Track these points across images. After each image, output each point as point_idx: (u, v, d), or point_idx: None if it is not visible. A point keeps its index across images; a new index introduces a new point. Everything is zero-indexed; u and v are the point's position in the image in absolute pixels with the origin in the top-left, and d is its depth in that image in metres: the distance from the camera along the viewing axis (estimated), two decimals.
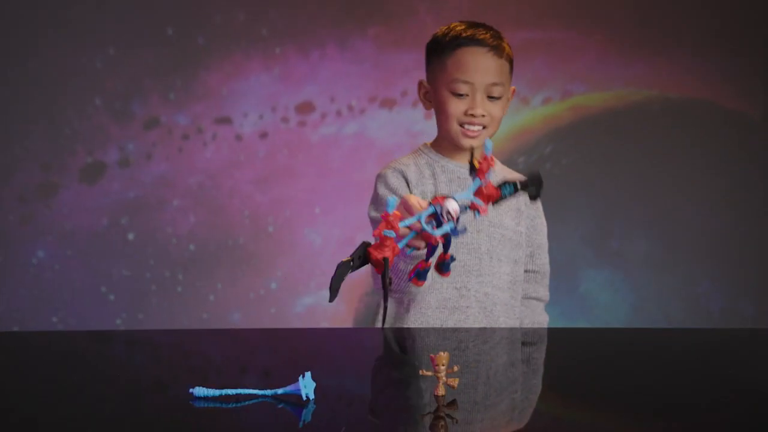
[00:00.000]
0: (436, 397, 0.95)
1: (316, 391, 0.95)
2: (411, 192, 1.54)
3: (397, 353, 1.34)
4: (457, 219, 1.04)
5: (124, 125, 2.94)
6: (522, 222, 1.62)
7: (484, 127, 1.53)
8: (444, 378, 0.96)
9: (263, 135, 2.97)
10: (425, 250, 1.10)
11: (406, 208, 1.16)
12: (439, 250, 1.11)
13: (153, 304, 2.95)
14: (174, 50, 2.93)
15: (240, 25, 2.96)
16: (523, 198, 1.61)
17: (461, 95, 1.51)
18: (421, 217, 1.04)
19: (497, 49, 1.51)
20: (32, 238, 2.92)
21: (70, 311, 2.92)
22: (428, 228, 1.04)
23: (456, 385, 0.96)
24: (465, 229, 1.08)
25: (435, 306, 1.54)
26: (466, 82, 1.50)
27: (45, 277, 2.92)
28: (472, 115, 1.51)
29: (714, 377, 1.14)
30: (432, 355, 0.96)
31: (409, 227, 1.05)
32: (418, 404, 0.98)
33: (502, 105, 1.54)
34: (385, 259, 1.02)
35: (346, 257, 1.03)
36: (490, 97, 1.51)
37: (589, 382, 1.11)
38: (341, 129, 2.98)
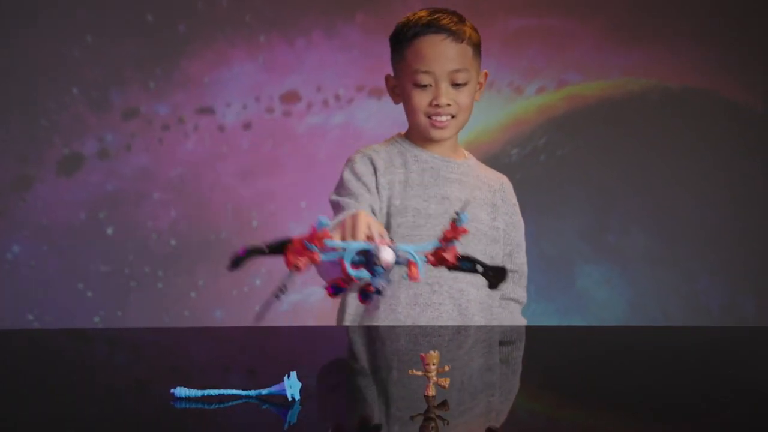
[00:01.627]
0: (427, 397, 0.94)
1: (301, 391, 0.95)
2: (378, 180, 1.52)
3: (388, 352, 1.32)
4: (387, 270, 0.98)
5: (102, 115, 2.92)
6: (499, 218, 1.59)
7: (452, 117, 1.51)
8: (434, 378, 0.95)
9: (247, 126, 2.95)
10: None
11: (351, 226, 1.11)
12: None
13: (132, 301, 2.93)
14: (154, 38, 2.91)
15: (223, 12, 2.94)
16: (499, 194, 1.59)
17: (424, 86, 1.49)
18: (349, 247, 0.99)
19: (456, 34, 1.49)
20: (7, 232, 2.89)
21: (46, 308, 2.89)
22: (347, 262, 0.99)
23: (447, 385, 0.95)
24: (389, 283, 1.01)
25: (405, 302, 1.50)
26: (426, 72, 1.49)
27: (20, 273, 2.89)
28: (438, 106, 1.49)
29: (714, 377, 1.14)
30: (422, 354, 0.95)
31: (334, 248, 1.00)
32: (407, 405, 0.97)
33: (469, 91, 1.52)
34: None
35: (260, 244, 1.04)
36: (455, 85, 1.49)
37: (585, 382, 1.10)
38: (328, 119, 2.97)
